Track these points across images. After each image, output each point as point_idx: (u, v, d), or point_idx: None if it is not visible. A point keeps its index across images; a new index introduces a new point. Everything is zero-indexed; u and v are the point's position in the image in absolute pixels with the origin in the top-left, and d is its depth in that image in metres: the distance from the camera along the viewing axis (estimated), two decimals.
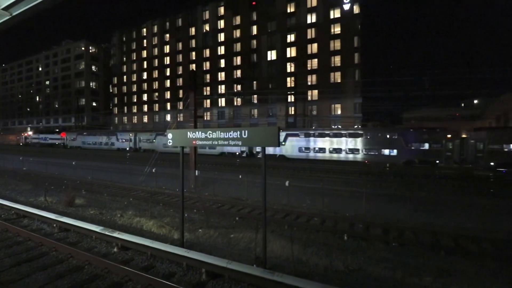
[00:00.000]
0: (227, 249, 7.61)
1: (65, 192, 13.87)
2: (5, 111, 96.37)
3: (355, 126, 39.87)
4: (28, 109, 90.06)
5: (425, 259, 7.42)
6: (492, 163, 23.79)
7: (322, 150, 30.37)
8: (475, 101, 54.27)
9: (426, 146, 26.52)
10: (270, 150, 28.45)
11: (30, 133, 66.66)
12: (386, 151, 27.97)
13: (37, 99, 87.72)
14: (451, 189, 17.03)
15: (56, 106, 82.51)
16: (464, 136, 27.32)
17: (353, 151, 29.13)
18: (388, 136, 28.26)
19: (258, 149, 29.65)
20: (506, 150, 23.57)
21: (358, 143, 29.02)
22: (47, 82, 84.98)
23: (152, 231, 8.92)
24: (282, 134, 25.83)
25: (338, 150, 29.77)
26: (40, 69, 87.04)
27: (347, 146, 29.31)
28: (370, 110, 44.54)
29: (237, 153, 35.10)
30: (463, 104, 56.76)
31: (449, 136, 26.51)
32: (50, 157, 32.59)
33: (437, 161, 26.10)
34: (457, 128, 30.77)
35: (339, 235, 9.28)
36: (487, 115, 45.60)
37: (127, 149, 45.33)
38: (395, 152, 27.61)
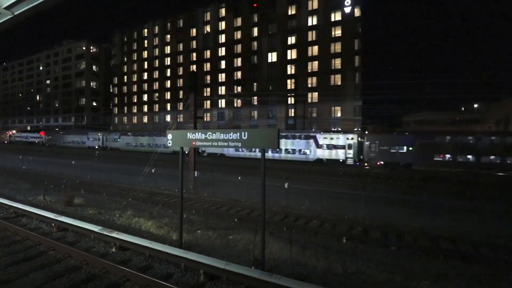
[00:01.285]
0: (226, 250, 7.60)
1: (64, 192, 13.86)
2: (5, 110, 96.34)
3: (355, 129, 39.94)
4: (28, 108, 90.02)
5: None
6: (382, 162, 28.54)
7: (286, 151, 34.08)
8: (475, 105, 54.40)
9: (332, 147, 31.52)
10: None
11: (14, 131, 69.89)
12: (306, 151, 33.03)
13: (38, 98, 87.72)
14: None
15: (57, 105, 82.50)
16: (360, 139, 31.44)
17: (290, 151, 34.17)
18: (305, 138, 33.41)
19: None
20: (392, 151, 28.37)
21: (290, 144, 34.21)
22: (48, 82, 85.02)
23: (151, 231, 8.90)
24: None
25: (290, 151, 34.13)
26: (41, 68, 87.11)
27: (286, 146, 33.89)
28: (370, 113, 44.65)
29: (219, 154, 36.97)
30: (463, 108, 56.93)
31: (351, 137, 30.88)
32: (40, 156, 32.57)
33: (341, 160, 30.75)
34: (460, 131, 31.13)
35: (338, 238, 9.30)
36: (488, 119, 45.72)
37: (96, 147, 48.85)
38: (308, 152, 32.76)
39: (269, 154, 32.61)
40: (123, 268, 5.61)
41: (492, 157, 25.56)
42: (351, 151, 30.75)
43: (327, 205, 12.32)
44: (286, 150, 33.86)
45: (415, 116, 54.35)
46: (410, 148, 27.84)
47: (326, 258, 7.13)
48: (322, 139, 32.19)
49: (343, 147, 31.07)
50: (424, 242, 8.87)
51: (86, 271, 5.89)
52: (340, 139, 31.32)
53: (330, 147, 31.79)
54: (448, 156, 26.83)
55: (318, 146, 32.33)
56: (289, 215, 11.35)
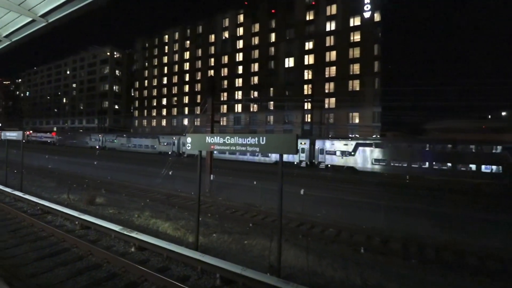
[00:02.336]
0: (241, 255, 7.57)
1: (86, 191, 14.41)
2: (34, 111, 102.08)
3: (373, 136, 38.95)
4: (56, 110, 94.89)
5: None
6: (328, 164, 31.04)
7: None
8: (503, 113, 51.53)
9: None
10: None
11: (31, 132, 75.87)
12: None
13: (64, 100, 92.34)
14: None
15: (81, 107, 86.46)
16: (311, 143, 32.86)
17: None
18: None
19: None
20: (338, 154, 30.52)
21: None
22: (74, 85, 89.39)
23: (168, 233, 9.04)
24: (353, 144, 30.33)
25: None
26: (68, 72, 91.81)
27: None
28: (390, 119, 43.34)
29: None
30: (490, 116, 54.09)
31: (303, 142, 32.35)
32: (69, 156, 34.07)
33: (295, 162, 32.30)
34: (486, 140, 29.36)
35: (356, 248, 9.03)
36: None
37: (97, 147, 54.56)
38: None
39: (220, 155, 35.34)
40: (142, 268, 5.73)
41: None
42: (303, 155, 33.16)
43: (343, 213, 12.04)
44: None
45: (438, 124, 52.26)
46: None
47: (343, 269, 6.94)
48: None
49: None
50: (448, 256, 8.42)
51: (107, 269, 6.06)
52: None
53: None
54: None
55: None
56: (304, 222, 11.19)
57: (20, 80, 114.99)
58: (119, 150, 49.59)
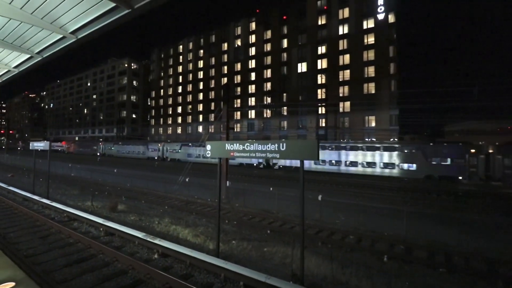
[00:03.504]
0: (262, 262, 7.52)
1: (108, 198, 14.86)
2: (58, 122, 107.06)
3: (391, 139, 37.97)
4: (77, 120, 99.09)
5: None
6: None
7: None
8: None
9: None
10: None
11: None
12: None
13: (85, 111, 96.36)
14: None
15: (101, 117, 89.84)
16: (490, 151, 25.60)
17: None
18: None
19: (275, 160, 33.58)
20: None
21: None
22: (94, 96, 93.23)
23: (188, 239, 9.14)
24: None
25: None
26: (88, 84, 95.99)
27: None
28: (408, 122, 42.12)
29: (255, 164, 37.44)
30: None
31: (472, 151, 25.09)
32: (74, 162, 35.61)
33: (460, 177, 24.83)
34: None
35: (379, 256, 8.74)
36: None
37: (98, 154, 60.62)
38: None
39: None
40: (166, 275, 5.80)
41: None
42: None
43: (363, 219, 11.73)
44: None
45: (459, 126, 50.32)
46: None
47: (368, 277, 6.74)
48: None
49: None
50: (478, 265, 7.99)
51: (132, 275, 6.18)
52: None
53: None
54: None
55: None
56: (323, 229, 10.99)
57: (44, 93, 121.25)
58: (116, 156, 56.29)
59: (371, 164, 29.04)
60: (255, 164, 37.47)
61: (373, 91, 44.01)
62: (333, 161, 31.28)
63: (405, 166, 27.30)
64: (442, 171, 25.26)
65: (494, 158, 24.58)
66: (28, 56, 8.95)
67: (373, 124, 43.79)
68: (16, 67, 10.39)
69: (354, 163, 30.05)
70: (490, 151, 25.49)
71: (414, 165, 26.73)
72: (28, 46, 8.09)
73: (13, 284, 4.12)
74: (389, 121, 42.10)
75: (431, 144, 27.59)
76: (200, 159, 39.50)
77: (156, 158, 48.59)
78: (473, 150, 24.97)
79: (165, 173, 27.08)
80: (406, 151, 27.50)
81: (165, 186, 18.50)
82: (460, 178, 24.51)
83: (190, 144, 44.90)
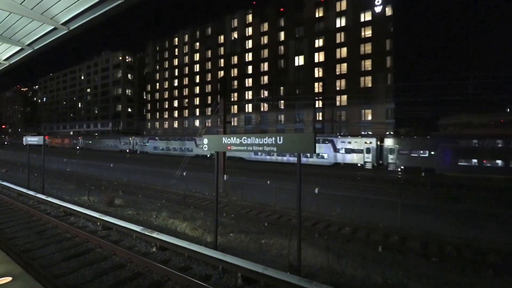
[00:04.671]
0: (259, 254, 7.60)
1: (105, 193, 14.81)
2: (51, 116, 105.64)
3: (387, 133, 38.19)
4: (71, 115, 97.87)
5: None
6: (402, 166, 27.47)
7: None
8: None
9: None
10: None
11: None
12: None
13: (79, 105, 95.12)
14: None
15: (96, 112, 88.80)
16: (379, 142, 30.11)
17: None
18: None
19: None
20: (413, 155, 27.07)
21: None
22: (88, 90, 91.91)
23: (186, 233, 9.17)
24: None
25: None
26: (82, 78, 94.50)
27: None
28: (404, 115, 42.31)
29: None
30: (508, 110, 52.00)
31: (369, 142, 30.06)
32: (54, 156, 35.85)
33: (359, 164, 30.30)
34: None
35: (374, 246, 8.88)
36: None
37: (77, 147, 63.95)
38: None
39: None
40: (165, 267, 5.83)
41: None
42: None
43: (359, 211, 11.86)
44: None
45: (453, 119, 50.70)
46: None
47: (363, 267, 6.85)
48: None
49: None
50: (469, 255, 8.17)
51: (131, 268, 6.21)
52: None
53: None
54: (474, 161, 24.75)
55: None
56: (320, 221, 11.11)
57: (37, 86, 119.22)
58: (93, 149, 60.63)
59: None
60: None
61: (369, 85, 44.04)
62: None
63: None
64: (347, 160, 31.03)
65: (383, 149, 29.36)
66: (19, 48, 8.73)
67: (370, 118, 43.97)
68: (6, 59, 10.15)
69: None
70: (380, 143, 29.99)
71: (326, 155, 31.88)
72: (18, 37, 7.88)
73: (10, 279, 4.11)
74: (385, 114, 42.28)
75: (339, 137, 32.67)
76: (164, 151, 46.86)
77: (127, 150, 53.22)
78: (368, 141, 29.90)
79: (133, 164, 29.73)
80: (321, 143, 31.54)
81: (129, 175, 21.36)
82: (359, 165, 30.01)
83: (156, 138, 51.35)
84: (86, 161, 30.44)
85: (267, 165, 33.07)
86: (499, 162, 23.96)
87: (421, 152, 26.56)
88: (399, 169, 27.56)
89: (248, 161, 36.84)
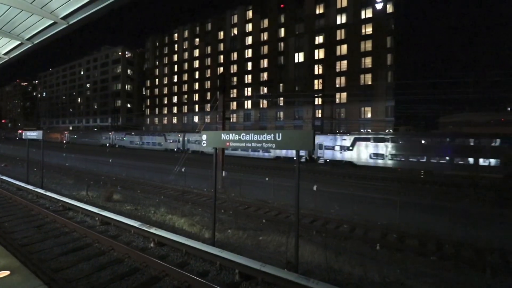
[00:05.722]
0: (257, 251, 7.63)
1: (103, 188, 14.83)
2: (51, 111, 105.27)
3: (386, 130, 38.20)
4: (71, 110, 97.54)
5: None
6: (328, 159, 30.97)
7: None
8: None
9: None
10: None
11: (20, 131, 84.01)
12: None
13: (79, 100, 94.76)
14: None
15: (95, 107, 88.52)
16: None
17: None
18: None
19: (319, 153, 33.20)
20: (336, 150, 30.77)
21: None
22: (88, 85, 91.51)
23: (184, 229, 9.21)
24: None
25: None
26: (82, 73, 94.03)
27: None
28: (404, 113, 42.32)
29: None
30: (509, 109, 52.01)
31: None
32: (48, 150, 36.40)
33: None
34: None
35: (371, 244, 8.94)
36: None
37: (64, 141, 68.01)
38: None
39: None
40: (163, 263, 5.86)
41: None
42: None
43: (358, 209, 11.92)
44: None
45: (453, 117, 50.70)
46: None
47: (361, 265, 6.89)
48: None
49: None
50: (466, 253, 8.23)
51: (128, 264, 6.23)
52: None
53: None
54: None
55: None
56: (318, 219, 11.15)
57: (36, 81, 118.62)
58: (77, 143, 64.90)
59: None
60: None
61: (369, 82, 43.94)
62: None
63: None
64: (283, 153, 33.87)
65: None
66: (18, 42, 8.67)
67: (369, 115, 43.95)
68: (6, 54, 10.08)
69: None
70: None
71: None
72: (18, 32, 7.82)
73: (8, 272, 4.13)
74: (385, 112, 42.25)
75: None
76: (139, 146, 52.08)
77: (108, 144, 57.93)
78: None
79: (113, 157, 30.56)
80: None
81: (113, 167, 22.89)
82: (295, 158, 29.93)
83: (133, 133, 56.37)
84: (70, 154, 31.89)
85: (268, 162, 33.24)
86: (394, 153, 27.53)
87: (344, 147, 30.59)
88: (324, 162, 31.63)
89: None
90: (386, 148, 27.75)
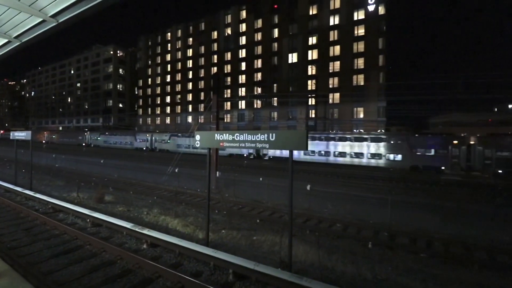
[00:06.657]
0: (251, 251, 7.64)
1: (94, 189, 14.60)
2: (40, 111, 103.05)
3: (379, 131, 38.70)
4: (60, 110, 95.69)
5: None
6: (500, 171, 23.48)
7: None
8: (510, 106, 50.76)
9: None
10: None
11: (2, 131, 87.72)
12: None
13: (69, 100, 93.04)
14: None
15: (86, 107, 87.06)
16: (471, 142, 26.16)
17: None
18: None
19: (265, 151, 35.26)
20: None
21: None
22: (78, 84, 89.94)
23: (178, 229, 9.15)
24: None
25: None
26: (72, 72, 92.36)
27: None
28: (395, 114, 42.94)
29: (245, 155, 38.24)
30: (496, 109, 53.34)
31: (455, 142, 25.88)
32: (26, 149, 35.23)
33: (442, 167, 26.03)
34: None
35: (364, 243, 9.04)
36: None
37: (43, 141, 69.02)
38: None
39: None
40: (155, 264, 5.81)
41: None
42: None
43: (350, 208, 12.04)
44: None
45: (443, 118, 51.70)
46: None
47: (353, 263, 6.97)
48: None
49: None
50: (457, 250, 8.41)
51: (121, 265, 6.15)
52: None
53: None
54: None
55: None
56: (311, 218, 11.22)
57: (25, 80, 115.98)
58: (56, 143, 67.28)
59: (358, 155, 29.77)
60: (245, 155, 37.61)
61: (362, 83, 44.45)
62: (322, 152, 32.15)
63: (391, 156, 28.11)
64: (427, 161, 26.23)
65: (475, 149, 25.55)
66: (6, 40, 8.46)
67: (362, 116, 44.44)
68: None
69: (342, 154, 30.80)
70: (471, 142, 26.40)
71: (400, 156, 27.67)
72: (5, 29, 7.64)
73: None
74: (377, 112, 42.80)
75: (416, 135, 28.87)
76: (112, 145, 54.51)
77: (83, 144, 60.67)
78: (455, 142, 25.93)
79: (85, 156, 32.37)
80: (392, 142, 28.28)
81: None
82: (443, 168, 25.64)
83: (107, 133, 58.80)
84: (48, 153, 32.20)
85: (262, 161, 33.35)
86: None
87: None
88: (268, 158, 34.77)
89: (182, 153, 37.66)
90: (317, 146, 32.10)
